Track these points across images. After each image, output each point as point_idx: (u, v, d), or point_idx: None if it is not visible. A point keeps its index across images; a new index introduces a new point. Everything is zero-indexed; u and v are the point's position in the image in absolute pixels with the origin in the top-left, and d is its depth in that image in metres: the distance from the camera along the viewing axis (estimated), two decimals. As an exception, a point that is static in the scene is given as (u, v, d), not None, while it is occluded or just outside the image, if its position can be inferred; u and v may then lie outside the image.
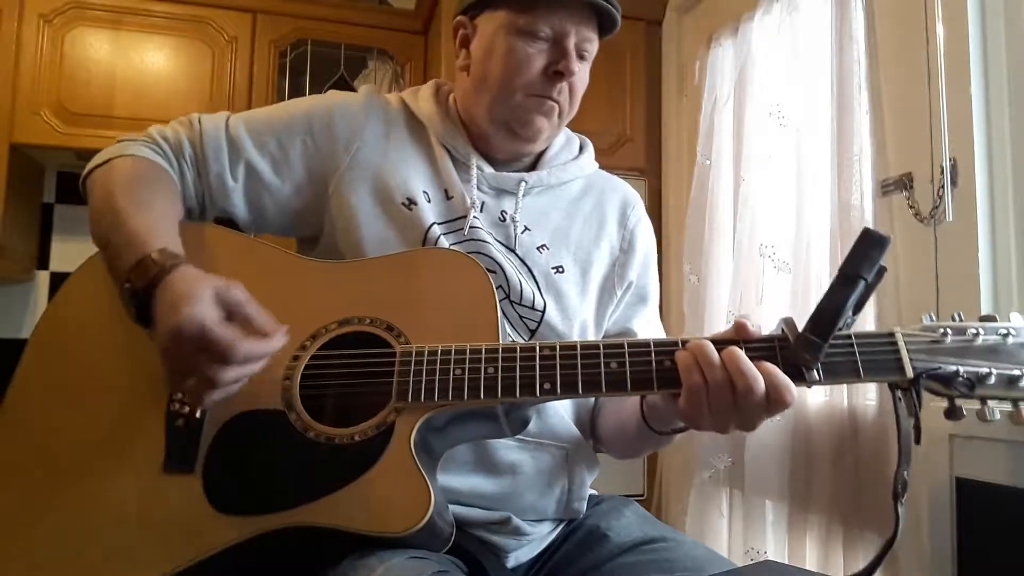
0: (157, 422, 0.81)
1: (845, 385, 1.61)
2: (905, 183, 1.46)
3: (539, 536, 0.95)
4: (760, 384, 0.71)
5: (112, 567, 0.77)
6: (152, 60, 2.29)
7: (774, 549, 1.79)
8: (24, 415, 0.85)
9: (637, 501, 1.03)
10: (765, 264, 1.83)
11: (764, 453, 1.78)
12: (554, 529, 0.98)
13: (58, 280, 2.47)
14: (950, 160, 1.37)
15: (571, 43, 0.95)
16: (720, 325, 1.98)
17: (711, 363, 0.73)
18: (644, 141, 2.50)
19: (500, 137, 1.00)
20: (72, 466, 0.81)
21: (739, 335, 0.76)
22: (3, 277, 2.37)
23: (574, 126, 1.15)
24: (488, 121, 0.99)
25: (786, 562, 1.69)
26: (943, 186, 1.37)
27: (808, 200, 1.74)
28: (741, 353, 0.73)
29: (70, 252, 2.52)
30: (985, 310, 1.30)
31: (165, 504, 0.78)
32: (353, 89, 2.43)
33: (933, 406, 1.35)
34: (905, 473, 0.75)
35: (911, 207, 1.45)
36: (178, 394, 0.80)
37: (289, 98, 1.06)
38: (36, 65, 2.19)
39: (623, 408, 0.97)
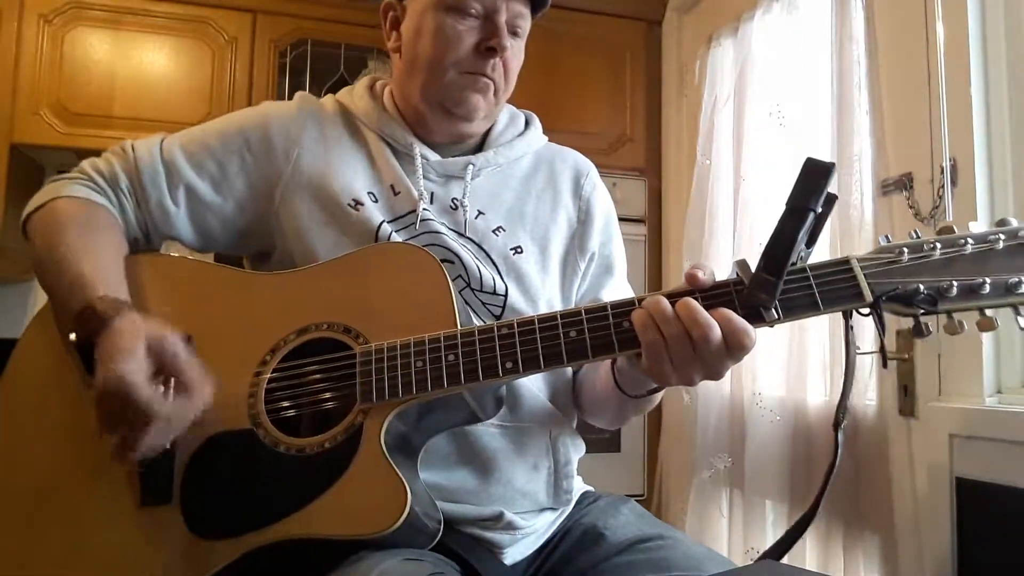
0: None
1: (841, 379, 1.60)
2: (905, 183, 1.46)
3: (534, 531, 0.94)
4: (716, 331, 0.71)
5: None
6: (152, 60, 2.29)
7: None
8: None
9: (637, 501, 1.03)
10: (765, 264, 1.82)
11: (764, 453, 1.78)
12: (551, 524, 0.97)
13: (58, 280, 2.48)
14: (950, 160, 1.37)
15: (502, 19, 0.93)
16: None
17: (666, 318, 0.72)
18: (644, 141, 2.50)
19: (437, 118, 0.98)
20: (51, 511, 0.81)
21: (692, 285, 0.75)
22: (3, 277, 2.37)
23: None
24: (423, 102, 0.97)
25: (786, 562, 1.69)
26: (943, 186, 1.37)
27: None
28: (693, 303, 0.72)
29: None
30: (985, 310, 1.30)
31: (147, 539, 0.78)
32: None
33: (930, 407, 1.36)
34: (847, 402, 0.75)
35: (911, 207, 1.44)
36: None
37: (290, 99, 1.05)
38: (36, 65, 2.18)
39: (597, 379, 0.96)
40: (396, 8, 1.00)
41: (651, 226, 2.46)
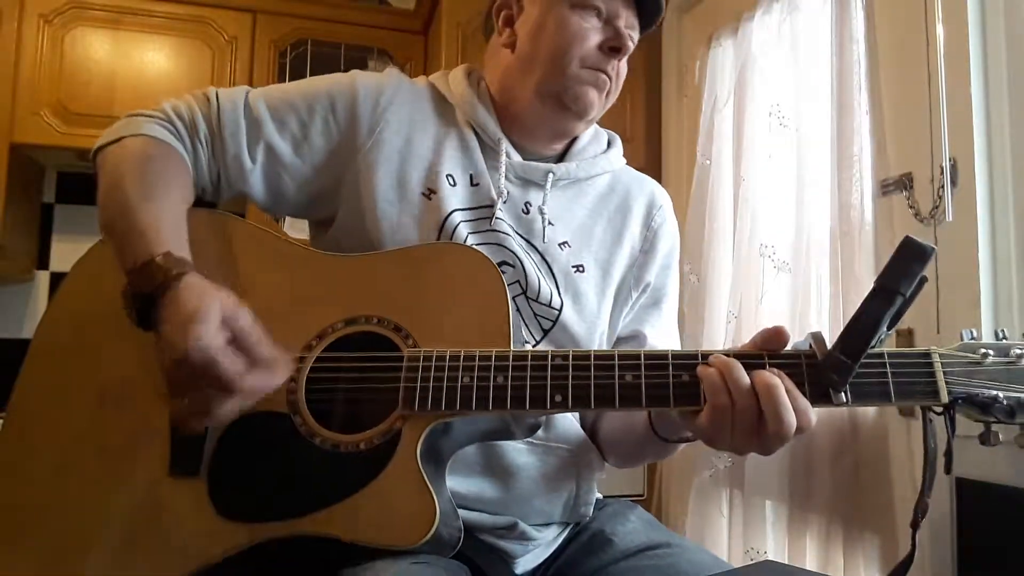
0: (162, 423, 0.80)
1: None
2: (905, 183, 1.46)
3: (545, 541, 0.94)
4: (793, 422, 0.68)
5: (117, 571, 0.76)
6: (152, 60, 2.29)
7: (774, 549, 1.79)
8: (29, 416, 0.84)
9: (637, 501, 1.03)
10: (765, 264, 1.83)
11: (764, 453, 1.78)
12: (560, 534, 0.97)
13: (58, 280, 2.47)
14: (950, 160, 1.37)
15: (623, 24, 0.95)
16: (720, 325, 1.98)
17: (740, 387, 0.69)
18: (644, 141, 2.50)
19: (547, 112, 0.97)
20: (78, 468, 0.80)
21: (767, 345, 0.72)
22: (3, 277, 2.37)
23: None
24: (536, 95, 0.96)
25: (786, 562, 1.69)
26: (943, 186, 1.37)
27: (808, 200, 1.74)
28: (780, 390, 0.68)
29: (70, 252, 2.51)
30: (985, 310, 1.30)
31: (170, 508, 0.77)
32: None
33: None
34: (927, 500, 0.70)
35: (911, 207, 1.44)
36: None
37: (289, 98, 1.04)
38: (36, 65, 2.19)
39: (628, 414, 0.94)
40: (512, 6, 0.99)
41: (651, 226, 2.45)
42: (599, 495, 1.04)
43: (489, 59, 1.03)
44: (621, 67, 0.97)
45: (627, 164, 1.09)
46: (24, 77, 2.17)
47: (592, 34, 0.93)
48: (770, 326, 0.73)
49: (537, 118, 0.98)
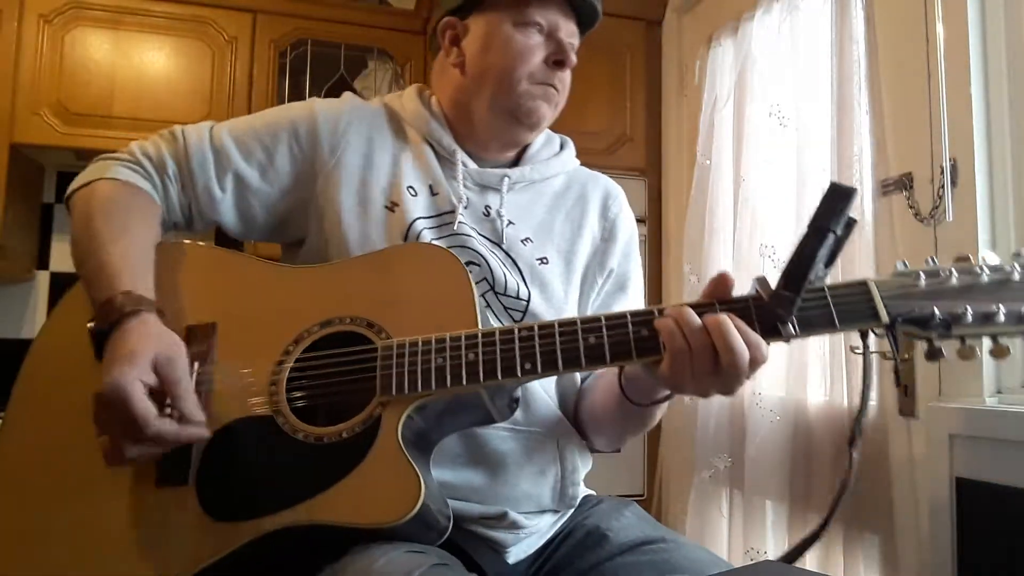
0: None
1: (844, 385, 1.61)
2: (905, 183, 1.46)
3: (538, 530, 0.95)
4: (746, 353, 0.73)
5: None
6: (152, 60, 2.29)
7: (774, 549, 1.79)
8: (22, 434, 0.86)
9: (637, 501, 1.03)
10: (765, 264, 1.83)
11: (764, 453, 1.78)
12: (553, 524, 0.98)
13: (58, 280, 2.48)
14: (950, 160, 1.37)
15: (564, 35, 1.00)
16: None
17: (693, 328, 0.74)
18: (644, 141, 2.50)
19: (501, 126, 1.02)
20: (69, 487, 0.82)
21: (716, 293, 0.78)
22: (3, 277, 2.37)
23: (575, 124, 1.16)
24: (489, 111, 1.01)
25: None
26: (943, 186, 1.37)
27: (808, 200, 1.74)
28: (728, 324, 0.73)
29: (70, 252, 2.51)
30: (985, 310, 1.30)
31: (162, 518, 0.79)
32: (353, 89, 2.44)
33: (930, 407, 1.36)
34: (863, 418, 0.77)
35: (911, 207, 1.45)
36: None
37: (289, 99, 1.07)
38: (36, 65, 2.18)
39: (599, 389, 0.98)
40: (456, 27, 1.03)
41: (651, 226, 2.46)
42: (592, 492, 1.05)
43: (438, 77, 1.08)
44: (566, 76, 1.03)
45: (582, 164, 1.15)
46: (24, 77, 2.17)
47: (537, 50, 0.99)
48: (715, 274, 0.79)
49: (491, 131, 1.03)
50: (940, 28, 1.41)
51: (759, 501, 1.83)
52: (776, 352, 1.83)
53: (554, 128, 1.14)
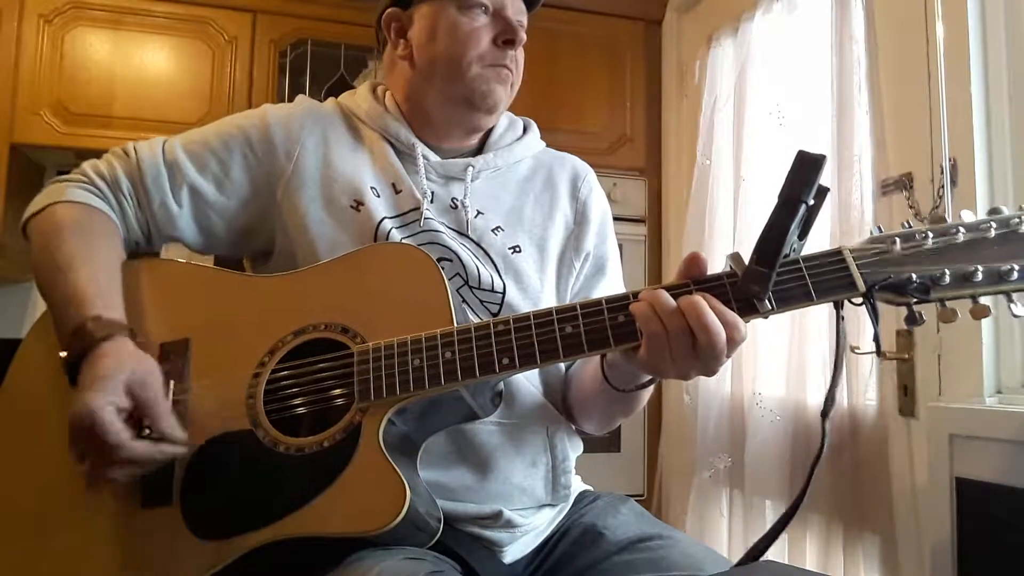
0: None
1: (845, 385, 1.61)
2: (905, 183, 1.46)
3: (533, 529, 0.94)
4: (722, 332, 0.71)
5: None
6: (152, 60, 2.29)
7: (774, 549, 1.78)
8: (1, 464, 0.86)
9: (637, 501, 1.03)
10: (765, 264, 1.83)
11: (764, 453, 1.78)
12: (549, 522, 0.97)
13: (58, 280, 2.48)
14: (950, 160, 1.37)
15: (510, 13, 0.98)
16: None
17: (668, 311, 0.73)
18: (644, 141, 2.50)
19: (459, 115, 1.00)
20: (56, 514, 0.82)
21: (690, 273, 0.76)
22: (3, 277, 2.38)
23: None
24: (443, 101, 0.99)
25: (786, 562, 1.69)
26: (943, 186, 1.37)
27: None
28: (702, 304, 0.72)
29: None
30: (985, 310, 1.30)
31: (149, 540, 0.78)
32: (354, 88, 2.43)
33: (930, 407, 1.36)
34: (836, 390, 0.75)
35: (911, 207, 1.45)
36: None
37: (289, 99, 1.06)
38: (36, 65, 2.18)
39: (585, 376, 0.97)
40: (401, 18, 1.02)
41: (651, 226, 2.46)
42: (590, 488, 1.05)
43: (388, 71, 1.06)
44: (519, 55, 1.00)
45: (549, 143, 1.13)
46: (24, 77, 2.17)
47: (484, 32, 0.97)
48: (687, 254, 0.78)
49: (448, 120, 1.02)
50: (940, 28, 1.40)
51: (759, 501, 1.83)
52: (776, 352, 1.83)
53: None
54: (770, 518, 1.81)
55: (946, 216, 0.75)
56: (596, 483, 1.07)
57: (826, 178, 1.77)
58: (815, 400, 1.70)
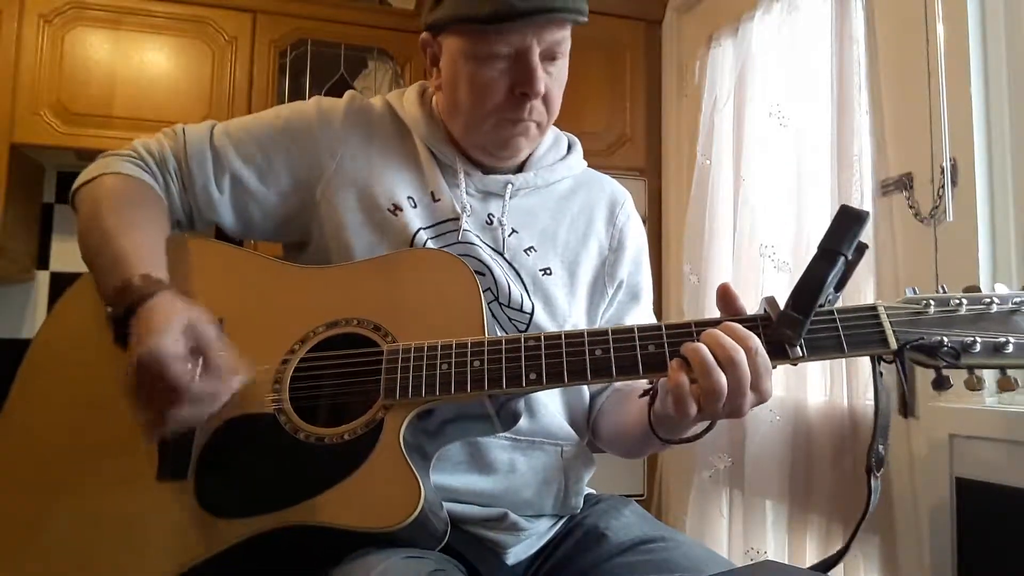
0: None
1: (844, 386, 1.61)
2: (905, 183, 1.46)
3: (537, 532, 0.95)
4: (748, 380, 0.72)
5: (109, 574, 0.77)
6: (152, 60, 2.29)
7: (774, 549, 1.79)
8: (22, 428, 0.86)
9: (637, 501, 1.03)
10: (765, 264, 1.83)
11: (764, 453, 1.78)
12: (552, 526, 0.97)
13: (58, 280, 2.48)
14: (950, 160, 1.37)
15: (534, 56, 0.90)
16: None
17: (705, 369, 0.72)
18: (644, 141, 2.50)
19: (481, 156, 1.00)
20: (70, 479, 0.82)
21: (727, 311, 0.77)
22: (3, 277, 2.37)
23: (572, 127, 1.15)
24: (468, 142, 0.99)
25: (786, 562, 1.69)
26: (943, 186, 1.37)
27: (808, 200, 1.74)
28: (738, 352, 0.72)
29: (70, 252, 2.51)
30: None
31: (160, 512, 0.78)
32: (353, 88, 2.43)
33: (930, 407, 1.36)
34: (880, 447, 0.75)
35: (911, 207, 1.45)
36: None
37: (289, 99, 1.06)
38: (36, 65, 2.18)
39: (627, 413, 0.95)
40: (433, 44, 0.98)
41: (651, 226, 2.46)
42: (592, 491, 1.05)
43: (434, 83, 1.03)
44: (550, 88, 0.93)
45: (587, 165, 1.12)
46: (24, 77, 2.17)
47: (499, 83, 0.91)
48: (719, 285, 0.79)
49: (475, 155, 1.00)
50: (940, 28, 1.41)
51: (759, 501, 1.83)
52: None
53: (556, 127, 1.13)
54: (770, 518, 1.81)
55: (978, 285, 0.76)
56: (596, 483, 1.07)
57: (826, 178, 1.78)
58: (815, 400, 1.70)
